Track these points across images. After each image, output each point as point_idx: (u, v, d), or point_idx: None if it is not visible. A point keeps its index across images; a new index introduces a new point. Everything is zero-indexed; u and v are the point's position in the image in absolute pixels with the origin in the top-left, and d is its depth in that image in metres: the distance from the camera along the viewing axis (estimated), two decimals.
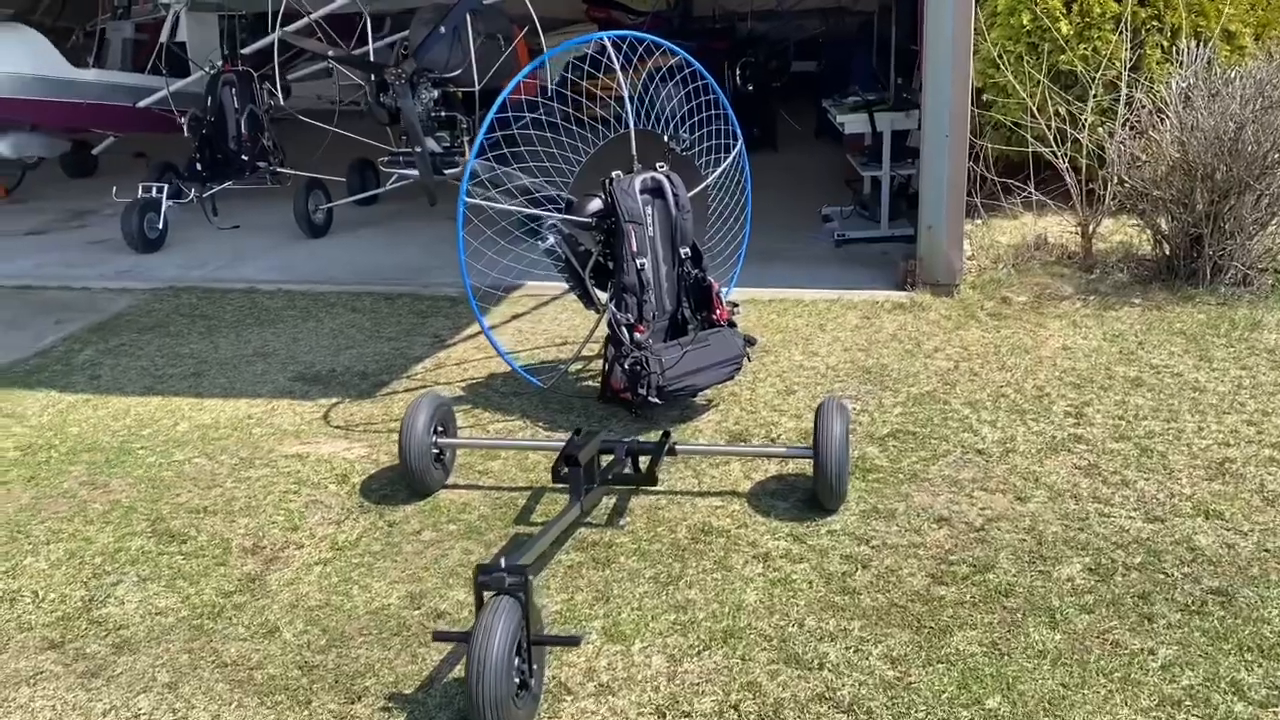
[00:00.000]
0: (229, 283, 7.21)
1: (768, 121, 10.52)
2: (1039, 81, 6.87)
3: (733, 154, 5.19)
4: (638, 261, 4.57)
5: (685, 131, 4.95)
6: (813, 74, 11.57)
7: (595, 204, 4.67)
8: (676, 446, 4.07)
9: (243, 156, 8.72)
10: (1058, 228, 6.65)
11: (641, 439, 4.33)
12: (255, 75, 8.86)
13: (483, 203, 4.61)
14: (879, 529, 3.78)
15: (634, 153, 4.69)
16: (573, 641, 2.93)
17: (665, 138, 4.84)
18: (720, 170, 5.16)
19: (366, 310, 6.54)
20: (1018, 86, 6.56)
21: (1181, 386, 4.80)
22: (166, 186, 8.22)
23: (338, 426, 4.90)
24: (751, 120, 10.46)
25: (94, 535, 4.06)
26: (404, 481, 4.18)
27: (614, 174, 4.60)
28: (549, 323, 6.09)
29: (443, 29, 7.75)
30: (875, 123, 7.00)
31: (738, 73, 10.19)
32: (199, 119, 8.81)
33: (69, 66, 9.21)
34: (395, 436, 4.27)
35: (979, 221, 7.15)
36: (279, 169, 8.98)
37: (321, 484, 4.36)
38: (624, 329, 4.51)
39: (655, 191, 4.68)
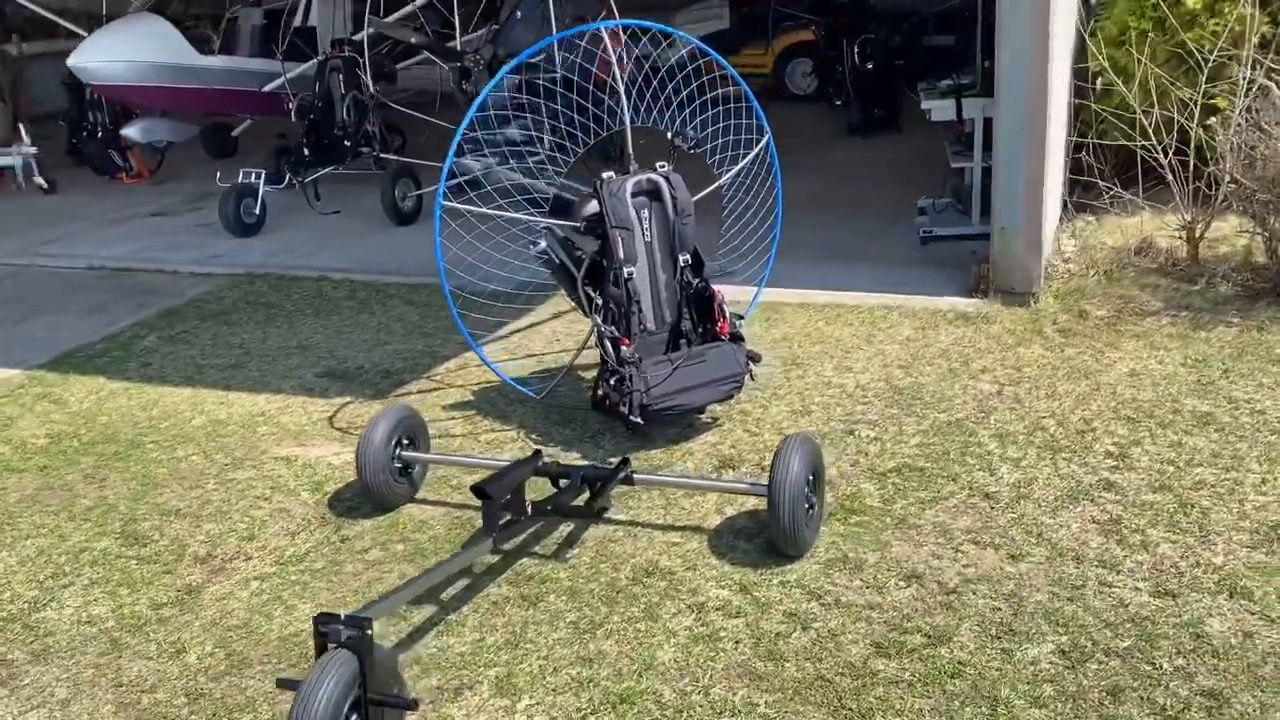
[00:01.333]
0: (303, 270, 7.29)
1: (891, 102, 9.87)
2: (1162, 62, 6.13)
3: (754, 151, 4.78)
4: (625, 270, 4.26)
5: (694, 129, 4.58)
6: (951, 49, 10.77)
7: (593, 205, 4.38)
8: (635, 475, 3.75)
9: (345, 142, 8.84)
10: (1171, 230, 5.88)
11: (605, 464, 4.02)
12: (360, 61, 8.95)
13: (460, 206, 4.40)
14: (838, 583, 3.37)
15: (629, 151, 4.37)
16: (407, 706, 2.69)
17: (670, 134, 4.49)
18: (737, 169, 4.76)
19: (420, 303, 6.46)
20: (1112, 74, 5.82)
21: (1259, 427, 4.11)
22: (264, 172, 8.40)
23: (339, 428, 4.83)
24: (871, 100, 9.89)
25: (70, 532, 4.11)
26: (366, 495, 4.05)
27: (605, 175, 4.30)
28: (587, 324, 5.83)
29: (519, 13, 7.59)
30: (962, 109, 6.38)
31: (856, 50, 9.59)
32: (307, 104, 8.98)
33: (195, 54, 9.55)
34: None
35: (1089, 220, 6.46)
36: (383, 154, 9.06)
37: (295, 491, 4.28)
38: (608, 343, 4.21)
39: (652, 194, 4.35)
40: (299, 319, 6.38)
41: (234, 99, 9.95)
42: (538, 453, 3.87)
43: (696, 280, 4.41)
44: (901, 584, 3.34)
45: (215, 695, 3.13)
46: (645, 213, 4.34)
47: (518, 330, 5.80)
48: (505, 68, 4.47)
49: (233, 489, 4.34)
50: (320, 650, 2.65)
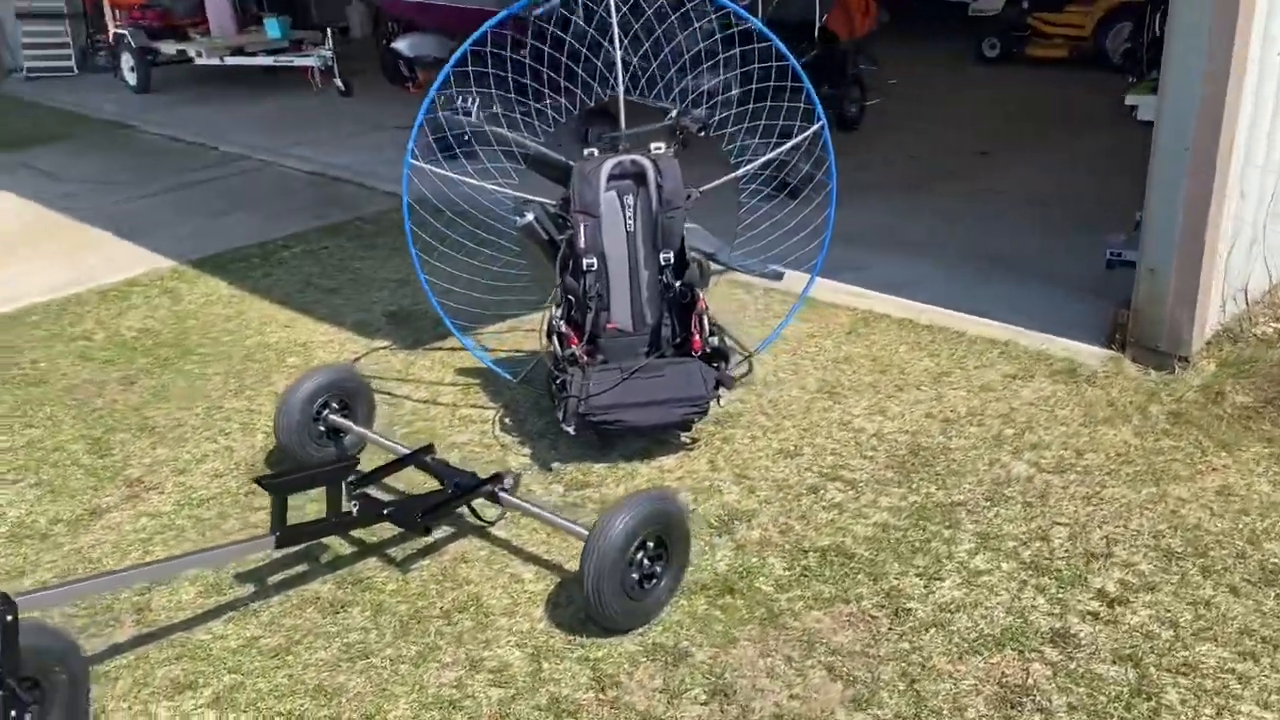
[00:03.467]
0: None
1: None
2: None
3: (793, 140, 4.05)
4: (584, 261, 3.78)
5: (705, 109, 3.94)
6: None
7: None
8: (502, 495, 3.34)
9: None
10: None
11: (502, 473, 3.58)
12: None
13: (426, 167, 4.09)
14: (637, 677, 2.82)
15: (621, 128, 3.85)
16: (18, 706, 2.53)
17: (674, 113, 3.90)
18: (759, 163, 4.05)
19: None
20: None
21: None
22: (477, 97, 8.45)
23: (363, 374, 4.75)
24: None
25: (64, 429, 4.36)
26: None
27: (586, 151, 3.82)
28: None
29: None
30: None
31: (1156, 19, 7.99)
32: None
33: None
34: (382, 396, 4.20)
35: None
36: None
37: (255, 431, 4.27)
38: (556, 338, 3.79)
39: (638, 178, 3.80)
40: (427, 251, 6.35)
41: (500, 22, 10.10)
42: (429, 445, 3.58)
43: (678, 283, 3.85)
44: (702, 698, 2.74)
45: None
46: (629, 198, 3.82)
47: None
48: (486, 24, 4.08)
49: (212, 417, 4.40)
50: None
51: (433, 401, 4.47)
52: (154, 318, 5.53)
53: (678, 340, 3.89)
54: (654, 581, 3.00)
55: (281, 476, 3.19)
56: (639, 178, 3.81)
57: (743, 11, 4.16)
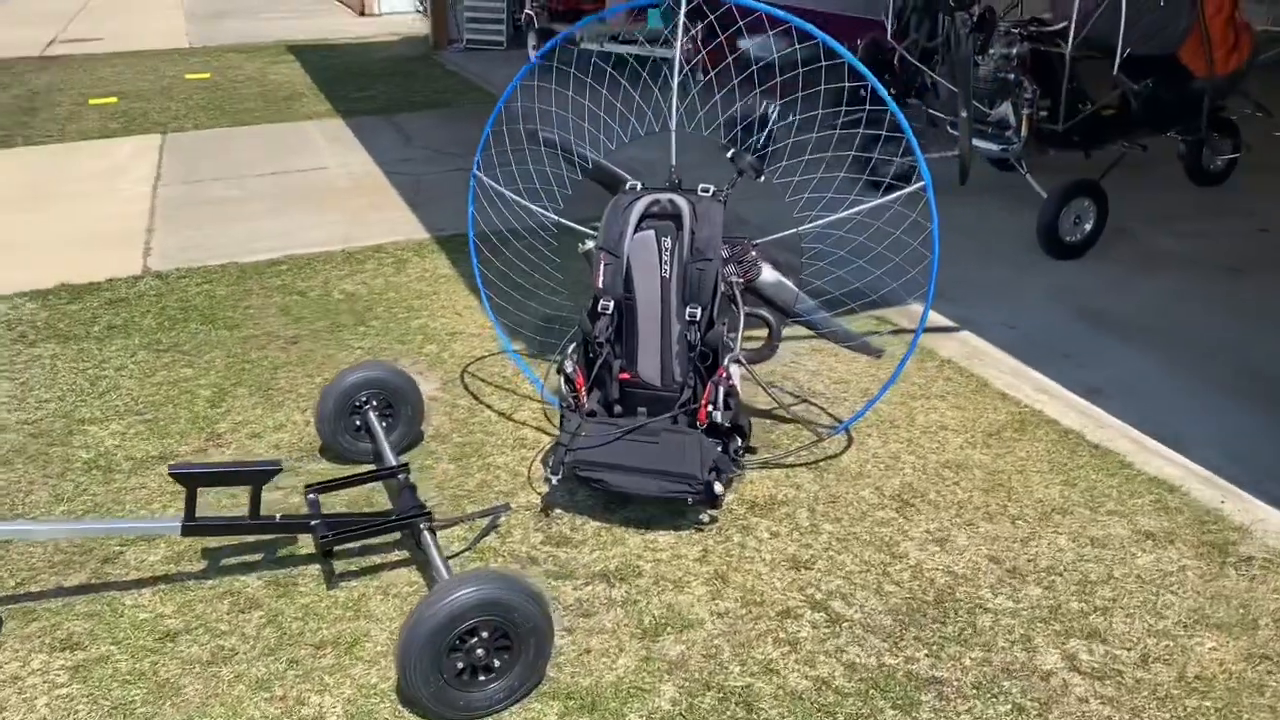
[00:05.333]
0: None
1: None
2: None
3: (885, 198, 3.36)
4: (600, 302, 3.42)
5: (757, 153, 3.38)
6: None
7: None
8: (427, 533, 3.13)
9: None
10: None
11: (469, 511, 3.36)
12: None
13: (488, 182, 3.89)
14: None
15: (673, 162, 3.43)
16: None
17: (730, 154, 3.40)
18: (833, 218, 3.40)
19: None
20: None
21: None
22: (779, 105, 8.10)
23: (473, 373, 4.74)
24: None
25: (210, 374, 4.74)
26: None
27: (629, 184, 3.45)
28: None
29: None
30: None
31: None
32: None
33: None
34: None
35: None
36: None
37: None
38: (564, 379, 3.49)
39: (676, 220, 3.37)
40: (562, 271, 6.21)
41: (842, 24, 9.70)
42: (404, 466, 3.46)
43: (700, 345, 3.38)
44: None
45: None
46: (668, 240, 3.41)
47: None
48: (562, 35, 3.76)
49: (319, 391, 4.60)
50: None
51: (507, 416, 4.34)
52: (367, 285, 5.88)
53: (694, 406, 3.44)
54: (489, 676, 2.67)
55: (198, 467, 3.23)
56: (678, 220, 3.40)
57: (833, 43, 3.55)
